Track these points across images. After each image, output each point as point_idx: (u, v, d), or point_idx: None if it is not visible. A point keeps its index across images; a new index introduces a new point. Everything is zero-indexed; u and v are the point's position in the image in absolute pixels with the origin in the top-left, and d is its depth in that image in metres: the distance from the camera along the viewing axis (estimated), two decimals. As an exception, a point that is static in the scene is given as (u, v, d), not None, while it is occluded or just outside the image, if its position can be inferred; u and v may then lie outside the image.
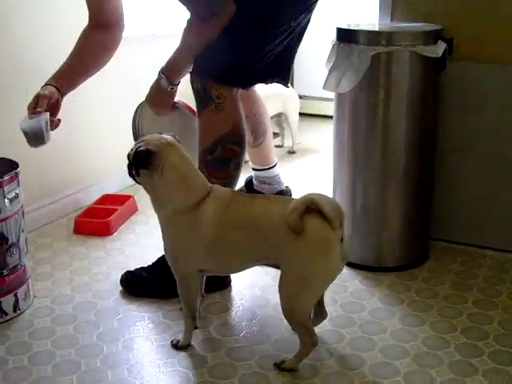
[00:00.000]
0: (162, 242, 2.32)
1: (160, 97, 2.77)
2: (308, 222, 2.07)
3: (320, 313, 2.34)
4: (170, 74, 2.69)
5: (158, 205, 2.27)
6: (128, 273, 2.75)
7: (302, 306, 2.15)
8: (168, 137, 2.26)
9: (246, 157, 2.82)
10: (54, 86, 2.57)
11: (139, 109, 2.96)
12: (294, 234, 2.07)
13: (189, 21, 2.62)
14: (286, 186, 3.33)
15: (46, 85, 2.57)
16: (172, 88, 2.72)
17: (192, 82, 2.62)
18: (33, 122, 2.45)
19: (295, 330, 2.23)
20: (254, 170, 3.32)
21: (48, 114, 2.47)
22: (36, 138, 2.47)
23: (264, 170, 3.28)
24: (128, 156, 2.25)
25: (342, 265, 2.17)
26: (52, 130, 2.52)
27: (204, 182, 2.28)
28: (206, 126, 2.61)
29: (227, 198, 2.25)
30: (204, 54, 2.56)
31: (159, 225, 2.30)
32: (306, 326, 2.16)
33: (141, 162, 2.19)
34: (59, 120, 2.59)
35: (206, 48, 2.56)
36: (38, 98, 2.51)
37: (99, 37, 2.68)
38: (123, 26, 2.74)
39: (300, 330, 2.18)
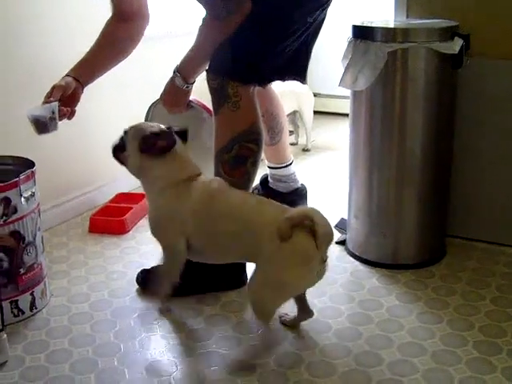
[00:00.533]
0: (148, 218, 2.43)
1: (174, 95, 2.77)
2: (297, 233, 2.11)
3: (304, 309, 2.39)
4: (185, 72, 2.69)
5: (148, 182, 2.41)
6: (144, 271, 2.75)
7: (265, 307, 2.22)
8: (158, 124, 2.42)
9: (262, 155, 2.81)
10: (73, 77, 2.60)
11: (152, 107, 2.97)
12: (277, 240, 2.12)
13: (204, 19, 2.61)
14: (302, 184, 3.33)
15: (65, 76, 2.60)
16: (187, 87, 2.73)
17: (208, 80, 2.61)
18: (38, 109, 2.48)
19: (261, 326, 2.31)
20: (269, 168, 3.32)
21: (56, 103, 2.48)
22: (39, 126, 2.50)
23: (280, 168, 3.27)
24: (122, 138, 2.44)
25: (316, 281, 2.23)
26: (61, 119, 2.54)
27: (190, 167, 2.40)
28: (223, 125, 2.60)
29: (214, 186, 2.38)
30: (220, 51, 2.55)
31: (148, 201, 2.44)
32: (266, 324, 2.24)
33: (148, 146, 2.35)
34: (74, 111, 2.60)
35: (222, 46, 2.54)
36: (53, 89, 2.54)
37: (121, 28, 2.70)
38: (148, 15, 2.76)
39: (261, 325, 2.28)
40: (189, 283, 2.56)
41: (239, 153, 2.58)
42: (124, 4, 2.69)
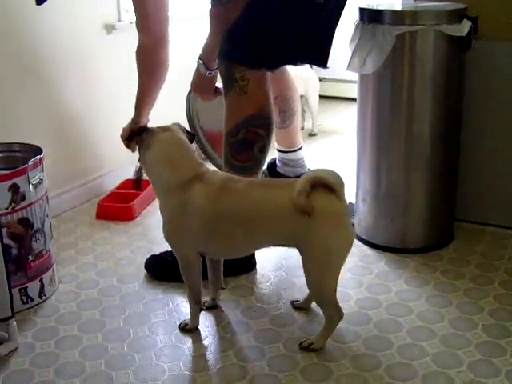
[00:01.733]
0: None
1: (201, 82, 2.83)
2: (315, 199, 2.06)
3: None
4: (205, 59, 2.75)
5: (152, 183, 2.38)
6: (152, 257, 2.75)
7: (328, 283, 2.15)
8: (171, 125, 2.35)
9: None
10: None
11: (189, 96, 2.99)
12: (304, 216, 2.06)
13: (211, 9, 2.62)
14: (309, 169, 3.32)
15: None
16: (210, 73, 2.78)
17: (218, 65, 2.62)
18: None
19: (323, 308, 2.22)
20: (278, 151, 3.31)
21: None
22: None
23: (289, 152, 3.26)
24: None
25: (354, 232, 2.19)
26: None
27: (192, 165, 2.27)
28: (230, 109, 2.59)
29: (218, 185, 2.21)
30: (227, 36, 2.54)
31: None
32: (334, 301, 2.17)
33: (132, 135, 2.38)
34: None
35: (228, 31, 2.53)
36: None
37: (164, 52, 2.70)
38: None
39: (328, 307, 2.18)
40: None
41: (246, 137, 2.57)
42: (163, 25, 2.67)
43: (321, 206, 2.06)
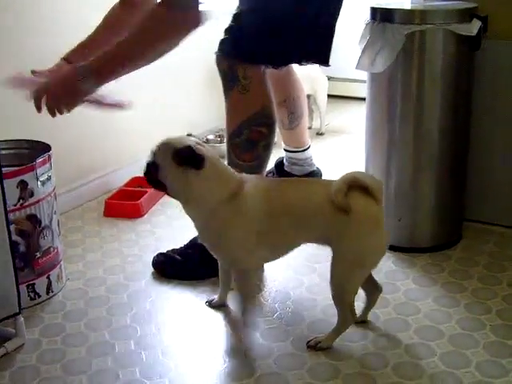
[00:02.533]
0: (205, 240, 2.25)
1: (71, 94, 2.31)
2: (353, 200, 2.06)
3: (375, 286, 2.32)
4: (102, 74, 2.30)
5: (193, 203, 2.16)
6: (160, 255, 2.74)
7: (353, 285, 2.15)
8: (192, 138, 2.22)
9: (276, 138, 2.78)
10: (65, 60, 2.49)
11: None
12: (341, 214, 2.06)
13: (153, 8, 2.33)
14: (317, 167, 3.31)
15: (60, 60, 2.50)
16: (95, 89, 2.33)
17: (218, 63, 2.57)
18: None
19: (340, 309, 2.19)
20: (286, 151, 3.30)
21: None
22: None
23: (297, 152, 3.25)
24: (154, 155, 2.15)
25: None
26: None
27: (233, 174, 2.20)
28: (233, 109, 2.58)
29: (265, 186, 2.20)
30: (229, 33, 2.52)
31: (196, 224, 2.23)
32: (352, 305, 2.17)
33: (194, 163, 2.09)
34: None
35: (232, 28, 2.51)
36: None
37: (127, 12, 2.56)
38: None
39: (345, 309, 2.17)
40: (205, 266, 2.56)
41: (250, 136, 2.55)
42: None
43: (358, 207, 2.06)
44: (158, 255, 2.74)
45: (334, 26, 2.63)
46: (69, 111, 2.30)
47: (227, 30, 2.54)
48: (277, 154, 3.19)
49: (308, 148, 3.27)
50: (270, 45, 2.50)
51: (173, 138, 2.17)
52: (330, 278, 2.16)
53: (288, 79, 3.02)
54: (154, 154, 2.14)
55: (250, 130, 2.55)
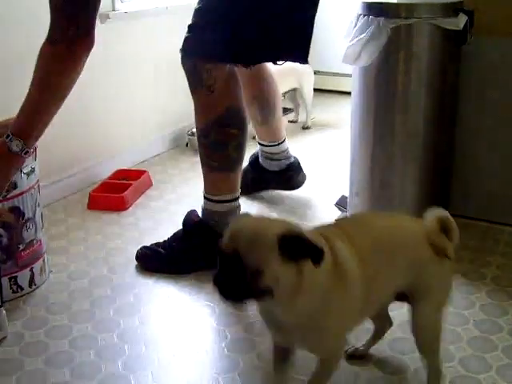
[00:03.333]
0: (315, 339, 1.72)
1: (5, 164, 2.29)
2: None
3: (388, 319, 2.13)
4: (27, 132, 2.27)
5: (305, 294, 1.57)
6: (144, 248, 2.73)
7: (440, 331, 1.90)
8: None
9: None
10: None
11: None
12: (435, 256, 1.80)
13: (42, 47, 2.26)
14: (294, 157, 3.29)
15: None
16: (26, 152, 2.27)
17: (182, 63, 2.52)
18: None
19: (432, 357, 1.92)
20: (260, 144, 3.28)
21: None
22: None
23: (272, 146, 3.23)
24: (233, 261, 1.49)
25: None
26: None
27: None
28: (198, 110, 2.54)
29: (346, 234, 1.72)
30: (192, 31, 2.46)
31: (297, 321, 1.63)
32: (438, 356, 1.93)
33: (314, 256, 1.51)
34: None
35: (194, 26, 2.45)
36: None
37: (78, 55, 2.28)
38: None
39: (439, 355, 1.92)
40: (189, 260, 2.56)
41: (218, 138, 2.51)
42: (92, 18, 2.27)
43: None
44: (141, 248, 2.73)
45: (311, 21, 2.47)
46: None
47: (190, 28, 2.47)
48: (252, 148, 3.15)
49: (284, 141, 3.25)
50: (233, 43, 2.39)
51: (252, 220, 1.63)
52: (415, 329, 1.87)
53: (260, 75, 2.99)
54: (239, 253, 1.48)
55: (217, 132, 2.51)
